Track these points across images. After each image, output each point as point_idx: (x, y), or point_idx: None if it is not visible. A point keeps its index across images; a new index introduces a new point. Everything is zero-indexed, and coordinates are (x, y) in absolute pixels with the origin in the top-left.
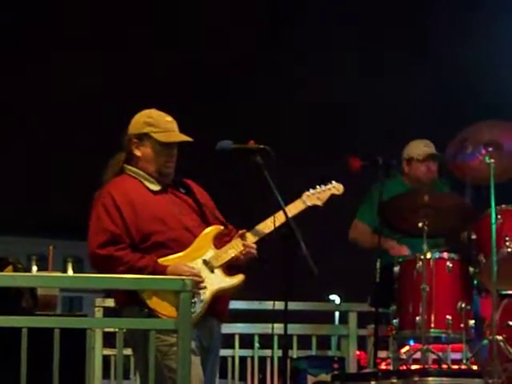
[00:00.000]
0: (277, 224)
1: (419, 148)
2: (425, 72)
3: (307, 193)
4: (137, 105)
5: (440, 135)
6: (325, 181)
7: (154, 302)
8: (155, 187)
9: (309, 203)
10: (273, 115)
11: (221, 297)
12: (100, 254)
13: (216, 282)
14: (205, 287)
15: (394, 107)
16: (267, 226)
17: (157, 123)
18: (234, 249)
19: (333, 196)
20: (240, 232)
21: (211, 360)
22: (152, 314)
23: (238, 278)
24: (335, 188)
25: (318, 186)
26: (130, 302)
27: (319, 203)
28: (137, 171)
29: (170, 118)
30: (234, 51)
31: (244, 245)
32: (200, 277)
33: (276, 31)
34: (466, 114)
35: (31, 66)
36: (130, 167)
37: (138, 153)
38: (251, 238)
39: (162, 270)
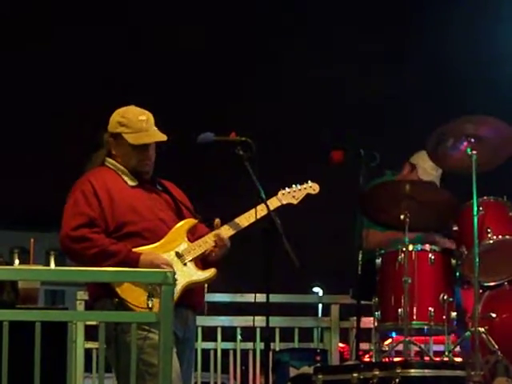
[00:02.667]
0: (258, 217)
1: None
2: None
3: (283, 191)
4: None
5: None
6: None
7: (125, 292)
8: (132, 182)
9: (284, 201)
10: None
11: (195, 289)
12: (73, 235)
13: (188, 274)
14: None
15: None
16: (246, 219)
17: (129, 123)
18: (207, 243)
19: (308, 195)
20: (215, 222)
21: (187, 351)
22: (122, 303)
23: (210, 272)
24: (311, 188)
25: (293, 185)
26: (103, 294)
27: (294, 202)
28: (116, 165)
29: (144, 117)
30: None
31: (217, 239)
32: (172, 267)
33: None
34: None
35: None
36: (110, 160)
37: (114, 151)
38: (228, 231)
39: (135, 258)
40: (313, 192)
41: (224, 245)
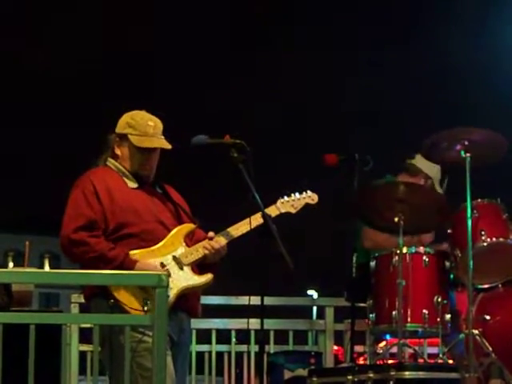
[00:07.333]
0: (253, 226)
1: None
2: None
3: (282, 199)
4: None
5: None
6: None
7: (121, 295)
8: (133, 184)
9: (282, 210)
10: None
11: (190, 292)
12: (73, 238)
13: (184, 279)
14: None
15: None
16: (240, 228)
17: (137, 125)
18: (204, 248)
19: (307, 205)
20: (209, 235)
21: (182, 355)
22: (118, 305)
23: (207, 277)
24: (310, 198)
25: (292, 194)
26: (98, 294)
27: (293, 211)
28: (118, 166)
29: (152, 123)
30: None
31: (212, 246)
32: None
33: None
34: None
35: None
36: (112, 160)
37: (117, 151)
38: (222, 240)
39: (131, 265)
40: (311, 202)
41: (220, 249)
